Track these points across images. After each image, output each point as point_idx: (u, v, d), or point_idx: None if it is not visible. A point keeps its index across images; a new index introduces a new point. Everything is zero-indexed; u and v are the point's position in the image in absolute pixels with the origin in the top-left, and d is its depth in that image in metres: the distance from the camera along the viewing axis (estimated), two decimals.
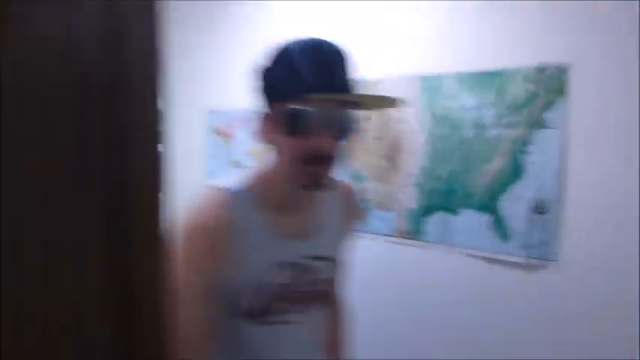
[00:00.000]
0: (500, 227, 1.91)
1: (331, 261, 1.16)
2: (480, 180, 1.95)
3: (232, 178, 1.07)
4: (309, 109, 0.92)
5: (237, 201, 1.02)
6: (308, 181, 0.97)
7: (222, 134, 2.90)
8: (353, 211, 1.24)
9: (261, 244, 1.04)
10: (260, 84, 1.00)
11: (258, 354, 1.09)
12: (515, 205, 1.87)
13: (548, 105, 1.80)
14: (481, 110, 1.93)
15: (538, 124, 1.82)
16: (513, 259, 1.89)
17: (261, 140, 1.00)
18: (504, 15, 1.87)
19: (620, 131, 1.66)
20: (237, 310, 1.05)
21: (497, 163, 1.91)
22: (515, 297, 1.90)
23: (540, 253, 1.83)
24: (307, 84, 0.91)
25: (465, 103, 1.97)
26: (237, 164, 2.79)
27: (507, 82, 1.87)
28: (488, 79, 1.90)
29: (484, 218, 1.94)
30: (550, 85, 1.79)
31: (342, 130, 0.95)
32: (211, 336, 1.02)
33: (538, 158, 1.82)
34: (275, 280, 1.06)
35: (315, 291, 1.14)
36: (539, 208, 1.82)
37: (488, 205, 1.93)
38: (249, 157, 2.73)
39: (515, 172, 1.87)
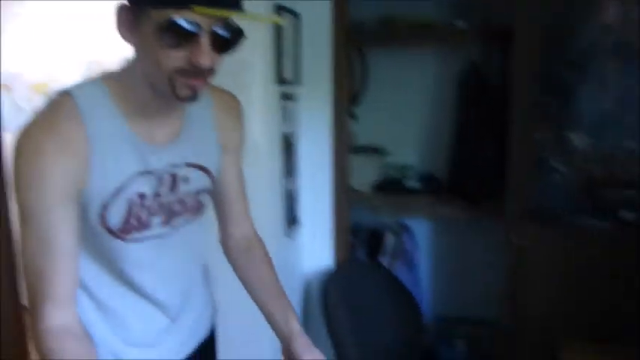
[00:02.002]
0: None
1: (203, 171, 1.05)
2: None
3: (86, 82, 0.94)
4: (191, 20, 0.80)
5: (92, 104, 0.90)
6: (183, 93, 0.87)
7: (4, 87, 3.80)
8: (233, 123, 1.14)
9: (121, 151, 0.93)
10: None
11: (123, 270, 1.00)
12: None
13: None
14: None
15: None
16: None
17: (124, 38, 0.88)
18: None
19: None
20: (98, 224, 0.94)
21: None
22: None
23: None
24: None
25: None
26: (19, 107, 3.70)
27: None
28: None
29: None
30: None
31: (224, 42, 0.85)
32: (74, 253, 0.92)
33: None
34: (136, 190, 0.95)
35: (181, 202, 1.03)
36: None
37: None
38: (28, 101, 3.67)
39: None
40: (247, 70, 1.72)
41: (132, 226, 0.98)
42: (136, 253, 1.00)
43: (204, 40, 0.83)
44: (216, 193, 1.17)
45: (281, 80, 1.90)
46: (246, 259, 1.23)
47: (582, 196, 1.95)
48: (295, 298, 2.14)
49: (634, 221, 1.90)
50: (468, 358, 2.57)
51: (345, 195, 2.29)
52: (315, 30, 2.12)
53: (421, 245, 2.74)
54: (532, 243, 1.97)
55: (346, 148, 2.30)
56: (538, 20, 1.89)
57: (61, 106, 0.90)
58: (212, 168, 1.08)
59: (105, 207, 0.93)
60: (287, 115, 2.00)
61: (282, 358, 1.11)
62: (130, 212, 0.96)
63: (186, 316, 1.13)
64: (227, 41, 0.86)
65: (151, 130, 0.97)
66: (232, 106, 1.15)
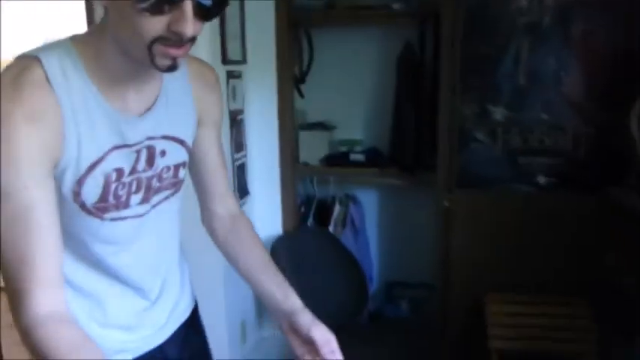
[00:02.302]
0: None
1: (180, 143, 1.00)
2: None
3: (52, 45, 0.86)
4: None
5: (61, 70, 0.83)
6: (163, 63, 0.81)
7: None
8: (210, 94, 1.08)
9: (95, 121, 0.86)
10: None
11: (98, 251, 0.95)
12: None
13: None
14: None
15: None
16: None
17: None
18: None
19: None
20: (72, 201, 0.87)
21: None
22: None
23: None
24: None
25: None
26: None
27: None
28: None
29: None
30: None
31: (207, 10, 0.79)
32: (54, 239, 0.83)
33: None
34: (113, 165, 0.89)
35: (159, 177, 0.98)
36: None
37: None
38: None
39: None
40: (193, 50, 1.83)
41: (110, 205, 0.91)
42: (113, 233, 0.94)
43: (188, 7, 0.76)
44: (196, 169, 1.12)
45: (227, 60, 2.03)
46: (234, 237, 1.16)
47: (504, 164, 2.15)
48: None
49: (548, 185, 2.12)
50: (411, 317, 2.79)
51: (292, 168, 2.45)
52: (260, 11, 2.25)
53: (368, 215, 2.93)
54: (460, 207, 2.17)
55: (292, 124, 2.45)
56: (462, 4, 2.06)
57: (26, 72, 0.81)
58: (188, 140, 1.02)
59: (79, 182, 0.86)
60: (233, 94, 2.13)
61: (286, 335, 1.05)
62: (107, 189, 0.89)
63: (165, 296, 1.08)
64: (209, 9, 0.80)
65: (125, 100, 0.90)
66: (209, 76, 1.09)
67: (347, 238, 2.69)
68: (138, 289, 1.03)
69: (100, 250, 0.95)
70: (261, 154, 2.36)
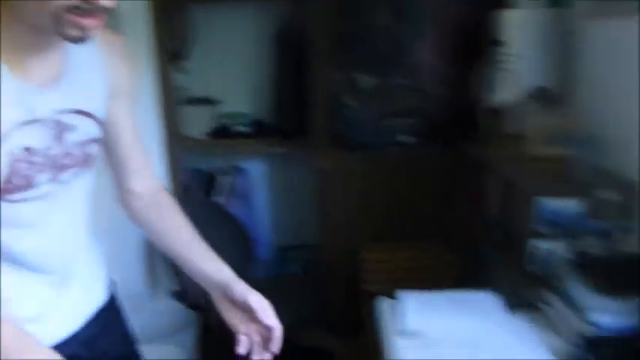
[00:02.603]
0: None
1: (90, 117, 0.93)
2: None
3: None
4: None
5: None
6: (73, 34, 0.75)
7: None
8: (122, 64, 1.01)
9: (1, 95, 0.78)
10: None
11: (7, 240, 0.87)
12: None
13: None
14: None
15: None
16: None
17: None
18: None
19: None
20: None
21: None
22: None
23: None
24: None
25: None
26: None
27: None
28: None
29: None
30: None
31: None
32: None
33: None
34: (21, 143, 0.82)
35: (69, 154, 0.91)
36: None
37: None
38: None
39: None
40: None
41: (15, 186, 0.83)
42: (16, 216, 0.86)
43: None
44: (110, 144, 1.06)
45: None
46: (156, 215, 1.11)
47: (373, 126, 2.35)
48: (135, 239, 2.34)
49: (413, 143, 2.35)
50: (302, 276, 2.96)
51: (175, 143, 2.50)
52: None
53: (257, 184, 3.04)
54: (336, 169, 2.35)
55: (173, 100, 2.49)
56: None
57: None
58: (100, 114, 0.95)
59: None
60: None
61: (219, 307, 1.06)
62: (13, 169, 0.81)
63: (76, 281, 1.02)
64: None
65: (28, 69, 0.82)
66: (120, 46, 1.02)
67: (237, 209, 2.79)
68: (44, 276, 0.95)
69: (1, 235, 0.87)
70: (143, 131, 2.38)
